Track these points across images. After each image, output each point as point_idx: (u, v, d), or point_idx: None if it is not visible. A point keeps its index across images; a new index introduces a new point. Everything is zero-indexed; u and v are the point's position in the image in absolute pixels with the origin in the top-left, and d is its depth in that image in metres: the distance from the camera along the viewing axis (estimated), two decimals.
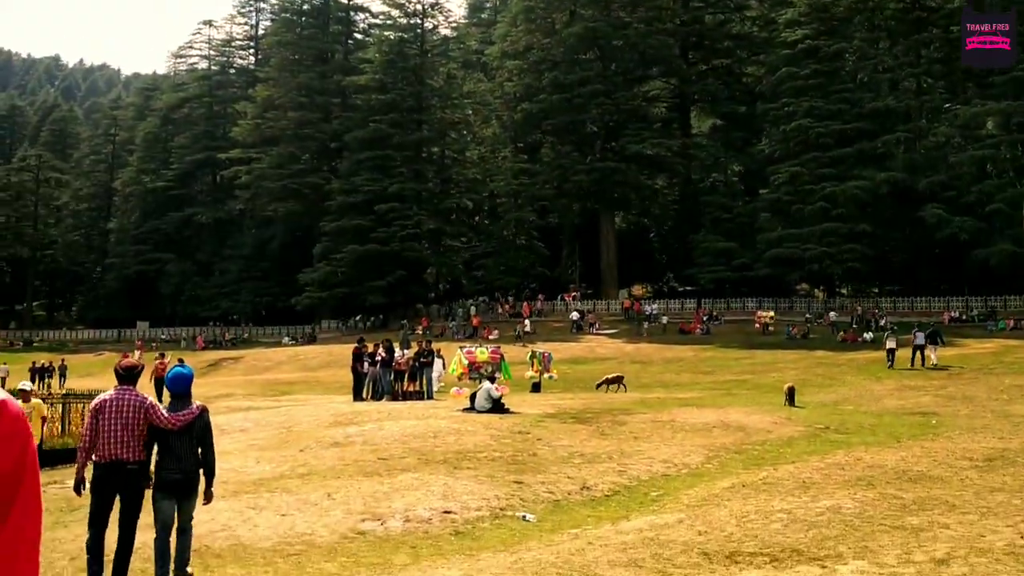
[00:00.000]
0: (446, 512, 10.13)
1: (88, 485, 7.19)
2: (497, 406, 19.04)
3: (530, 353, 30.78)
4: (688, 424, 17.47)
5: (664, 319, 54.68)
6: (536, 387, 28.52)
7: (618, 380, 28.94)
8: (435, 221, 66.17)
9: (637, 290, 71.90)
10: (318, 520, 9.84)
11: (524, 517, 10.15)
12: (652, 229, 75.47)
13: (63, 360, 44.68)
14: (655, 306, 59.14)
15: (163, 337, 67.54)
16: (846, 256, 53.26)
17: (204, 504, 7.69)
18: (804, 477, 11.23)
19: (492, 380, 20.52)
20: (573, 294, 64.63)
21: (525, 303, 61.57)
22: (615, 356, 42.97)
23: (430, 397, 25.15)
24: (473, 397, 19.80)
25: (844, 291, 64.41)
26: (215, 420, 18.46)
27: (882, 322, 46.99)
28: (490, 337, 49.16)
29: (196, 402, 7.66)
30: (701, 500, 10.43)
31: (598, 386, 28.51)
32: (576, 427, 17.16)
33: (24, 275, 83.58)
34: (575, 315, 56.66)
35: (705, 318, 54.50)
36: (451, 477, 11.85)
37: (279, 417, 20.27)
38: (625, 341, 49.27)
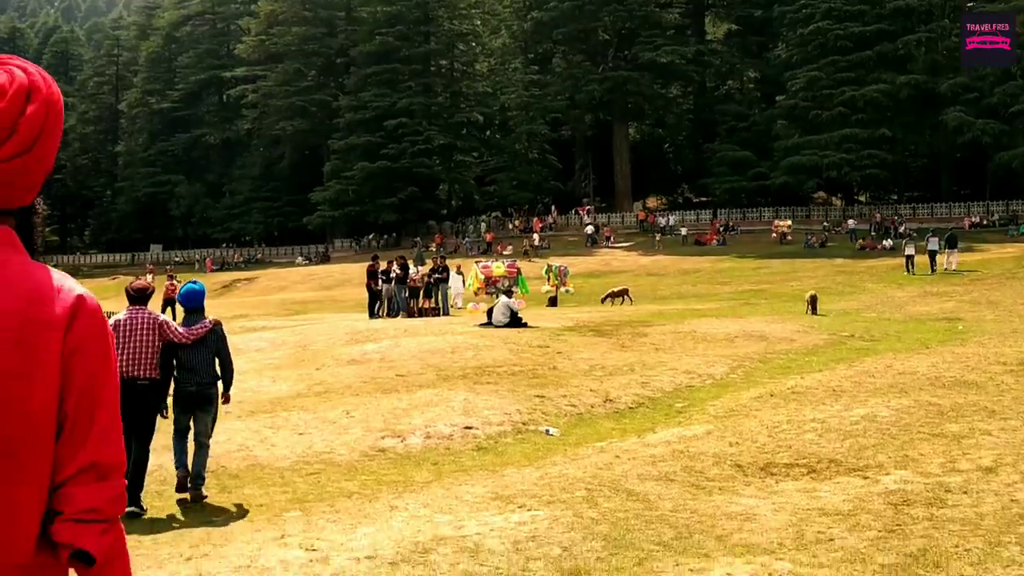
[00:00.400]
0: (467, 428, 9.90)
1: None
2: (515, 320, 18.78)
3: (546, 267, 30.45)
4: (709, 335, 17.18)
5: (683, 230, 54.05)
6: (553, 301, 28.26)
7: (623, 293, 28.60)
8: (445, 136, 65.05)
9: (652, 202, 71.10)
10: (337, 438, 9.63)
11: (547, 431, 9.92)
12: (666, 140, 74.00)
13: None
14: (671, 218, 58.43)
15: (177, 259, 67.41)
16: (865, 163, 52.21)
17: (223, 403, 7.92)
18: (834, 385, 10.92)
19: (509, 295, 20.22)
20: (587, 208, 63.90)
21: (536, 218, 60.95)
22: (631, 269, 42.61)
23: (446, 313, 24.93)
24: (490, 312, 19.53)
25: (863, 199, 63.49)
26: (231, 341, 18.28)
27: (901, 229, 46.30)
28: (504, 253, 48.79)
29: (209, 316, 7.84)
30: (729, 411, 10.16)
31: (603, 300, 28.18)
32: (596, 340, 16.89)
33: (34, 200, 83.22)
34: (589, 229, 56.12)
35: (721, 229, 53.88)
36: (471, 393, 11.62)
37: (295, 336, 20.08)
38: (640, 254, 48.85)
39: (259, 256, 68.20)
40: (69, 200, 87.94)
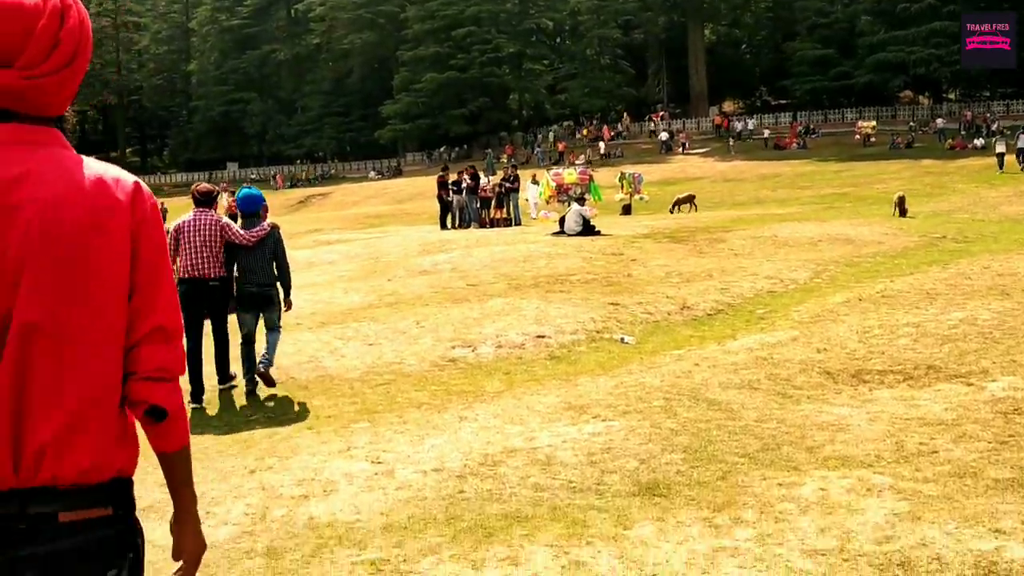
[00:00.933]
0: (539, 337, 9.60)
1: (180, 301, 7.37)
2: (588, 228, 18.32)
3: (619, 175, 29.67)
4: (791, 239, 16.48)
5: (765, 132, 52.22)
6: (627, 209, 27.60)
7: (690, 200, 27.75)
8: (515, 44, 63.66)
9: (728, 106, 68.80)
10: (407, 348, 9.44)
11: (622, 339, 9.55)
12: (744, 40, 71.12)
13: (162, 203, 45.15)
14: (748, 122, 56.46)
15: (253, 177, 67.98)
16: (955, 58, 49.29)
17: (286, 311, 8.17)
18: (927, 288, 10.26)
19: (581, 202, 19.69)
20: (661, 114, 62.14)
21: (604, 126, 59.55)
22: (707, 176, 41.44)
23: (518, 223, 24.56)
24: (563, 221, 19.08)
25: (952, 96, 60.30)
26: (303, 255, 18.33)
27: (994, 127, 43.89)
28: (576, 162, 47.87)
29: (267, 221, 8.04)
30: (814, 316, 9.63)
31: (671, 209, 27.36)
32: (672, 246, 16.35)
33: (115, 123, 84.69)
34: (663, 135, 54.66)
35: (801, 132, 51.90)
36: (543, 301, 11.29)
37: (366, 248, 20.00)
38: (717, 160, 47.47)
39: (332, 172, 68.47)
40: (147, 122, 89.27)
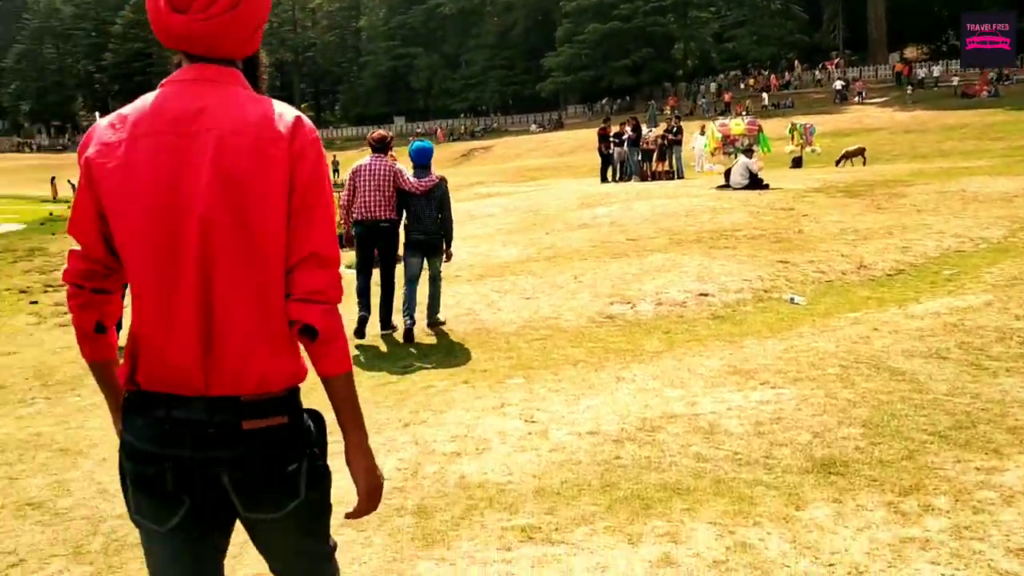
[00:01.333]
0: (702, 295, 9.17)
1: (355, 240, 8.36)
2: (755, 182, 17.51)
3: (789, 126, 28.29)
4: (981, 194, 15.14)
5: (954, 79, 48.56)
6: (797, 162, 26.33)
7: (859, 152, 26.05)
8: None
9: (910, 52, 64.37)
10: (564, 303, 9.22)
11: (792, 299, 8.99)
12: None
13: (333, 156, 46.95)
14: (933, 69, 52.62)
15: (418, 131, 69.32)
16: None
17: (446, 262, 8.56)
18: None
19: (749, 154, 18.83)
20: (836, 61, 58.88)
21: (772, 75, 56.86)
22: (885, 126, 38.94)
23: (680, 176, 23.83)
24: (728, 173, 18.32)
25: None
26: (464, 207, 18.36)
27: None
28: (742, 113, 46.10)
29: (436, 173, 8.37)
30: (1011, 279, 8.74)
31: (837, 162, 25.75)
32: (846, 201, 15.39)
33: (291, 79, 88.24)
34: (838, 84, 51.76)
35: (992, 78, 47.90)
36: (707, 257, 10.80)
37: (526, 202, 19.87)
38: (897, 109, 44.53)
39: (495, 125, 68.83)
40: (321, 77, 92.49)
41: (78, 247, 1.84)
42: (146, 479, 1.77)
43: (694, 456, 4.56)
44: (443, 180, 8.34)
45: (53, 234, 20.33)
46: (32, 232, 22.35)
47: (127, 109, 1.81)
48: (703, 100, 55.61)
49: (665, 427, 5.02)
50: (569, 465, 4.57)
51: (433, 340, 8.26)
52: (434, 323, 8.47)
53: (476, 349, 7.82)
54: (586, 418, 5.31)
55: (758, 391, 5.56)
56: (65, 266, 1.87)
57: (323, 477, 1.88)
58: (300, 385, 1.84)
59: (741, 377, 5.93)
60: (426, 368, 7.25)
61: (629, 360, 6.88)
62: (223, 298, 1.73)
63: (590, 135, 34.18)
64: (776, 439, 4.69)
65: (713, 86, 58.56)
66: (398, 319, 8.57)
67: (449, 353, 7.74)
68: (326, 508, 1.95)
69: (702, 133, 25.52)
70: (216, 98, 1.77)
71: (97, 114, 53.14)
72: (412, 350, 7.93)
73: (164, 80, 1.83)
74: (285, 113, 1.79)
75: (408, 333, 8.15)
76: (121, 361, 1.87)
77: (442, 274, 8.63)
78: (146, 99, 1.80)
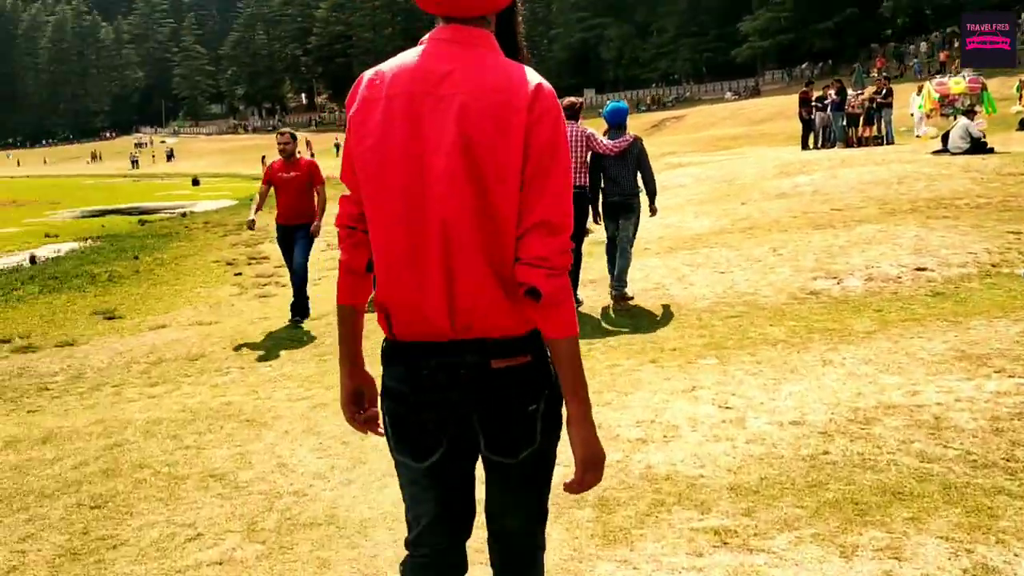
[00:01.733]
0: (919, 269, 8.29)
1: None
2: (977, 145, 15.92)
3: (1018, 83, 25.71)
4: None
5: None
6: None
7: None
8: None
9: None
10: (761, 278, 8.60)
11: None
12: None
13: None
14: None
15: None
16: None
17: (651, 217, 8.43)
18: None
19: (971, 115, 17.15)
20: None
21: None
22: None
23: (890, 142, 22.12)
24: (945, 137, 16.76)
25: None
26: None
27: None
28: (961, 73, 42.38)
29: (630, 133, 8.24)
30: None
31: None
32: None
33: None
34: None
35: None
36: (923, 228, 9.81)
37: (719, 171, 19.05)
38: None
39: (687, 94, 67.15)
40: None
41: (348, 193, 1.97)
42: (406, 421, 1.90)
43: (917, 455, 3.97)
44: (638, 139, 8.20)
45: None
46: (243, 208, 23.64)
47: (386, 65, 1.89)
48: (915, 61, 51.69)
49: (882, 419, 4.43)
50: (769, 459, 4.10)
51: (620, 316, 7.88)
52: (621, 296, 8.11)
53: (665, 326, 7.38)
54: (788, 406, 4.79)
55: (993, 380, 4.84)
56: (336, 212, 2.00)
57: (557, 425, 1.93)
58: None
59: (971, 363, 5.20)
60: (612, 345, 6.89)
61: (836, 341, 6.23)
62: (461, 254, 1.79)
63: (788, 102, 32.57)
64: (1018, 438, 4.02)
65: (924, 45, 54.31)
66: (582, 293, 8.42)
67: (636, 330, 7.34)
68: (551, 464, 2.01)
69: (919, 94, 23.54)
70: (463, 61, 1.81)
71: (303, 95, 55.66)
72: (601, 325, 7.60)
73: (424, 36, 1.90)
74: (526, 80, 1.81)
75: (619, 297, 8.10)
76: (368, 311, 1.99)
77: (633, 241, 8.32)
78: (405, 57, 1.87)
